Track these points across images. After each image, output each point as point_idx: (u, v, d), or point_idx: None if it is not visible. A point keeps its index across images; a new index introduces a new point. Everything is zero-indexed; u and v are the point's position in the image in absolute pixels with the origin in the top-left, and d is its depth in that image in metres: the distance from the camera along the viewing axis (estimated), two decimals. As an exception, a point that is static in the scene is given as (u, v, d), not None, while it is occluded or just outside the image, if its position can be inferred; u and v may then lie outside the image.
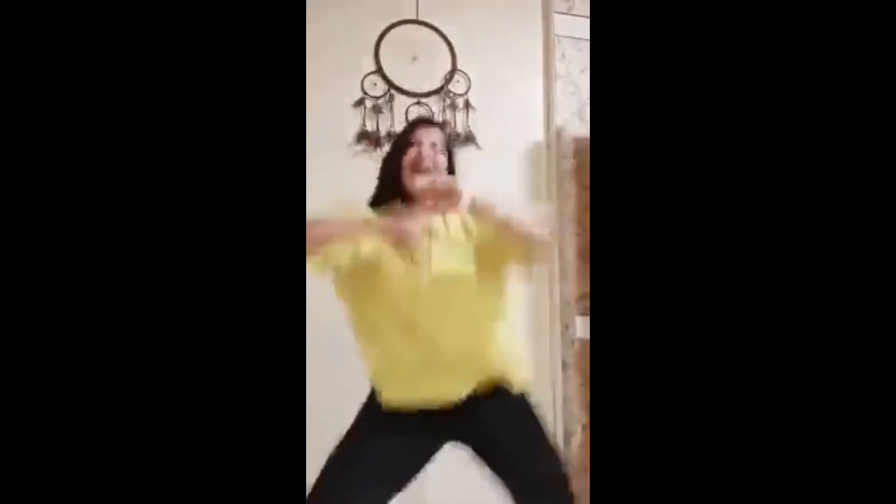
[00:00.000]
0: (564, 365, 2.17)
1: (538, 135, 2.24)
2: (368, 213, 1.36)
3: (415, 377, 1.29)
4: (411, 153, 1.36)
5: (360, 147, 2.00)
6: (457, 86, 2.13)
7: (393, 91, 2.06)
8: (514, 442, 1.30)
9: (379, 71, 2.05)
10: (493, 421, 1.30)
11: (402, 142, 1.40)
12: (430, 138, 1.37)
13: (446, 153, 1.39)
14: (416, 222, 1.23)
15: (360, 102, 2.03)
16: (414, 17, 2.10)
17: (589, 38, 2.19)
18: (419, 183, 1.21)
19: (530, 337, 2.17)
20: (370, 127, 2.02)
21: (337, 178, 1.90)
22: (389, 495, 1.28)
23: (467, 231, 1.33)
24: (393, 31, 2.08)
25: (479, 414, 1.29)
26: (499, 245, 1.29)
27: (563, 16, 2.28)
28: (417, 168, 1.34)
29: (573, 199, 2.22)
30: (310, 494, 1.21)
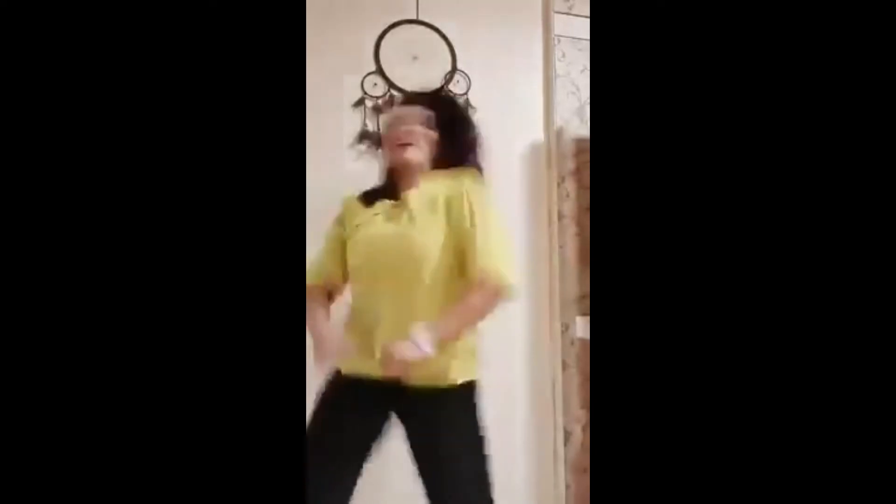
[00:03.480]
0: (564, 365, 2.17)
1: (538, 135, 2.24)
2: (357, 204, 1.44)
3: (371, 347, 1.30)
4: (391, 132, 1.43)
5: (360, 147, 2.00)
6: (457, 86, 2.13)
7: (393, 91, 2.06)
8: (449, 435, 1.28)
9: (379, 71, 2.05)
10: (434, 406, 1.30)
11: (387, 124, 1.46)
12: (407, 112, 1.44)
13: (431, 124, 1.42)
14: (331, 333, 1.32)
15: (360, 102, 2.03)
16: (414, 17, 2.10)
17: (589, 38, 2.19)
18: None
19: (530, 337, 2.17)
20: (370, 127, 2.02)
21: (337, 178, 1.90)
22: (356, 472, 1.31)
23: (433, 207, 1.35)
24: (393, 31, 2.07)
25: (423, 395, 1.30)
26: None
27: (563, 16, 2.28)
28: (396, 143, 1.41)
29: (573, 199, 2.22)
30: None
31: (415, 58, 2.09)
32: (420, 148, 1.41)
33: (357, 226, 1.41)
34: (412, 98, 1.56)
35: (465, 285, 1.31)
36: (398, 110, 1.47)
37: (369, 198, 1.45)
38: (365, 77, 2.03)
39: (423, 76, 2.09)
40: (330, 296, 1.46)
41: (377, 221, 1.38)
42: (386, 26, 2.07)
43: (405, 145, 1.40)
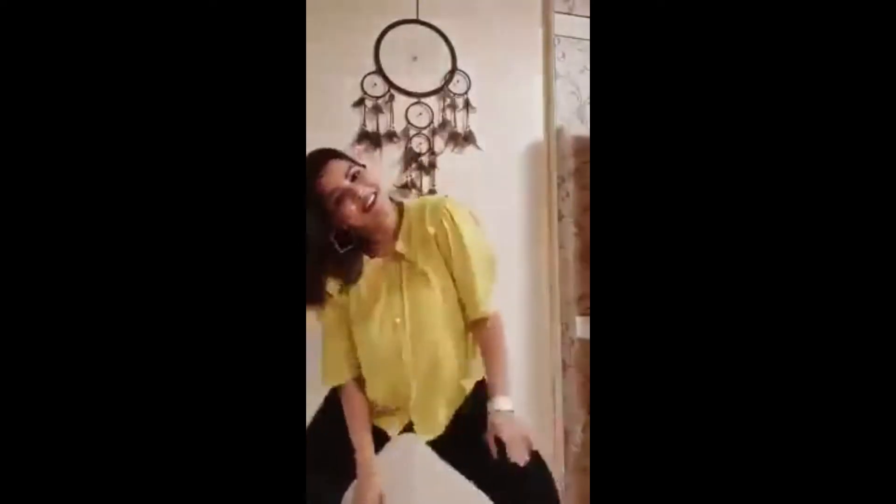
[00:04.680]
0: (564, 365, 2.17)
1: (538, 135, 2.24)
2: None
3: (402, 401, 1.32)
4: (346, 203, 1.24)
5: (360, 147, 2.00)
6: (457, 86, 2.13)
7: (393, 91, 2.06)
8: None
9: (379, 71, 2.05)
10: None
11: (325, 194, 1.24)
12: (342, 172, 1.26)
13: (362, 180, 1.27)
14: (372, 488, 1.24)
15: (360, 102, 2.03)
16: (414, 17, 2.10)
17: (589, 38, 2.19)
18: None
19: (530, 337, 2.17)
20: (370, 127, 2.02)
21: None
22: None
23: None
24: (393, 31, 2.07)
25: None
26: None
27: (563, 16, 2.28)
28: (365, 210, 1.26)
29: (573, 199, 2.22)
30: None
31: (415, 58, 2.09)
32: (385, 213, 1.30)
33: (356, 311, 1.32)
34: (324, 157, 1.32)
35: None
36: (330, 172, 1.26)
37: (347, 273, 1.31)
38: (365, 77, 2.03)
39: (423, 76, 2.09)
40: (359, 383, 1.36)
41: (379, 298, 1.30)
42: (386, 26, 2.07)
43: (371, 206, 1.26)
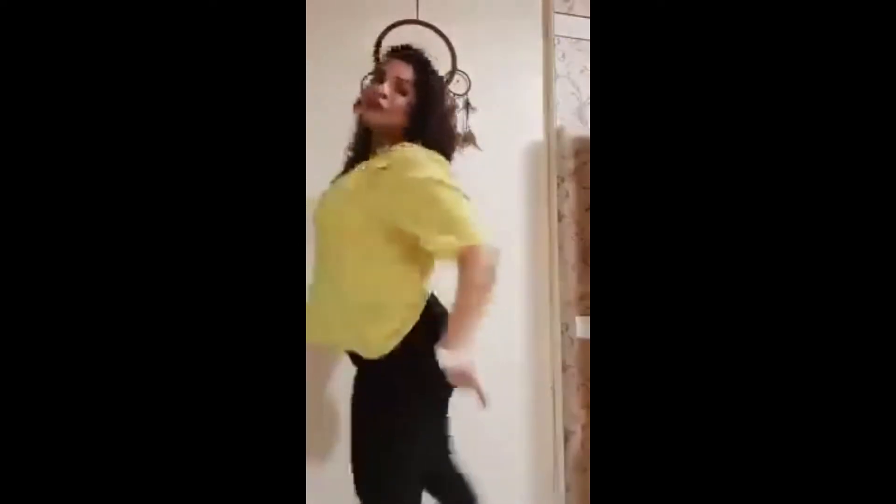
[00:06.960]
0: (564, 365, 2.17)
1: (538, 135, 2.24)
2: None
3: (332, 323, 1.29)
4: (371, 88, 1.36)
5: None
6: (457, 86, 2.12)
7: (393, 91, 2.06)
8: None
9: (379, 71, 2.05)
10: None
11: (375, 75, 1.41)
12: (395, 72, 1.36)
13: (414, 90, 1.34)
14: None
15: (360, 102, 2.03)
16: (414, 17, 2.10)
17: (589, 38, 2.19)
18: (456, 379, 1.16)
19: (530, 337, 2.17)
20: (370, 127, 2.02)
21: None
22: None
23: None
24: (393, 31, 2.07)
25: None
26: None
27: (563, 16, 2.28)
28: (371, 104, 1.35)
29: (573, 199, 2.22)
30: None
31: (415, 58, 2.09)
32: (387, 111, 1.34)
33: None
34: (395, 53, 1.44)
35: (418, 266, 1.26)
36: (388, 67, 1.39)
37: (350, 162, 1.42)
38: (365, 77, 2.03)
39: (423, 76, 2.09)
40: None
41: (332, 186, 1.37)
42: (386, 26, 2.07)
43: (374, 106, 1.34)
